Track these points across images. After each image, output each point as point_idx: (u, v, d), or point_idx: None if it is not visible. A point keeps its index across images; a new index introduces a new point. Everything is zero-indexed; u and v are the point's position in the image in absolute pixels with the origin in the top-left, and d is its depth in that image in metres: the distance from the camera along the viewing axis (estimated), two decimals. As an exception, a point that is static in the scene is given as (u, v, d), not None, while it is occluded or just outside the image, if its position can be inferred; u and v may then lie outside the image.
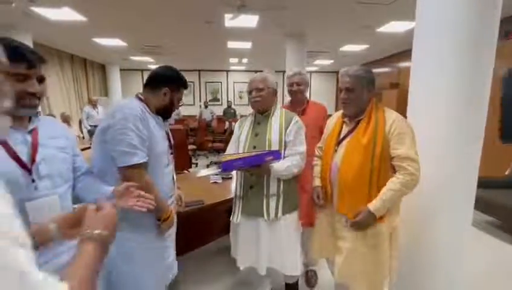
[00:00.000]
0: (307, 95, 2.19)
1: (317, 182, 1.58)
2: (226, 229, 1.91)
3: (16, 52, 0.84)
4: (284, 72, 9.13)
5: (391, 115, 1.39)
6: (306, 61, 6.26)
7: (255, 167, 1.48)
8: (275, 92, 1.66)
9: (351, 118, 1.47)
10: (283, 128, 1.58)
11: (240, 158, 1.46)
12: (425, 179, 1.38)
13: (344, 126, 1.51)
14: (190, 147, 6.27)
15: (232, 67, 10.76)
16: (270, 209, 1.55)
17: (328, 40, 6.38)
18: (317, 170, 1.61)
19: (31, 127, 0.94)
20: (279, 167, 1.51)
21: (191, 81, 11.42)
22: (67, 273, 0.50)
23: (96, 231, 0.59)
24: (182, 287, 2.13)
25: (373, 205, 1.34)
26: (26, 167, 0.89)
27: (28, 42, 5.49)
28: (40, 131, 0.96)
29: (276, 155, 1.49)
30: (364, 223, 1.36)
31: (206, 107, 9.62)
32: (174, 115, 9.04)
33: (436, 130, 1.54)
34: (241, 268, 1.67)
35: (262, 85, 1.60)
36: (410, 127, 1.37)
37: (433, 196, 1.56)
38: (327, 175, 1.49)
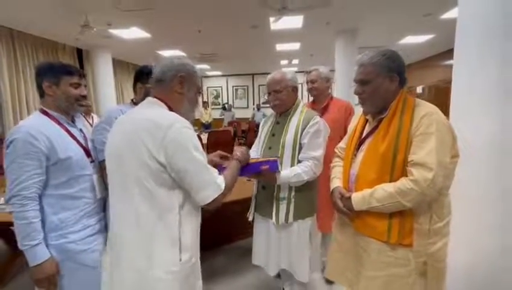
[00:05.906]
0: (333, 92, 2.13)
1: (337, 182, 1.29)
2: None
3: (70, 68, 1.21)
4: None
5: (422, 110, 1.07)
6: (358, 58, 5.91)
7: (257, 175, 1.39)
8: (295, 89, 1.55)
9: (374, 115, 1.21)
10: (299, 129, 1.47)
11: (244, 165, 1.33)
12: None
13: (367, 125, 1.24)
14: (240, 147, 6.58)
15: (284, 69, 10.76)
16: (280, 213, 1.48)
17: (383, 33, 5.94)
18: (337, 170, 1.35)
19: (78, 125, 1.28)
20: (287, 174, 1.41)
21: (245, 85, 11.90)
22: (224, 173, 1.09)
23: (237, 155, 1.25)
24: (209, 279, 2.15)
25: (355, 197, 1.15)
26: (89, 153, 1.25)
27: (108, 59, 6.56)
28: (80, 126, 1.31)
29: (272, 165, 1.34)
30: (339, 208, 1.21)
31: (258, 109, 9.92)
32: (228, 117, 9.73)
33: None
34: (256, 264, 1.63)
35: (279, 86, 1.50)
36: (444, 125, 1.05)
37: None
38: (346, 186, 1.24)
